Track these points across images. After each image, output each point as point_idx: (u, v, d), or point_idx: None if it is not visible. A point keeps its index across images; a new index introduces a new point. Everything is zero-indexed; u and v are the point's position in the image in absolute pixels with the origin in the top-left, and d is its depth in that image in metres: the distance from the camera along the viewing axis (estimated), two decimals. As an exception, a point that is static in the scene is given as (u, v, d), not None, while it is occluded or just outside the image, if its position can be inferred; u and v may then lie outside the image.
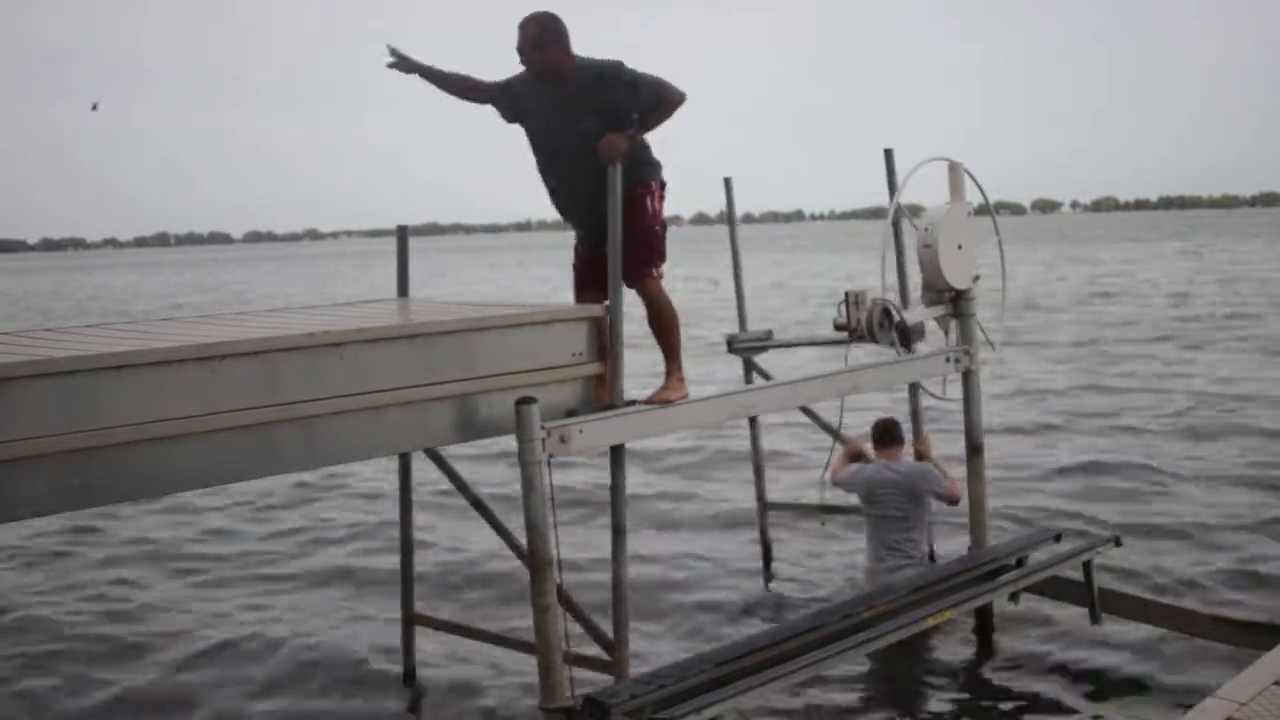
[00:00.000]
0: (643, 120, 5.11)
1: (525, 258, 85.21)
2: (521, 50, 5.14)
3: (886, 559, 6.75)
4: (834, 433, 7.29)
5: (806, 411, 7.43)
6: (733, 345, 7.33)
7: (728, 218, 7.67)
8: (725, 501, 9.65)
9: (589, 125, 5.04)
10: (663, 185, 5.39)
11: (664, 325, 5.46)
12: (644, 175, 5.27)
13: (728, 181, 7.46)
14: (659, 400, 5.30)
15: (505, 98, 5.36)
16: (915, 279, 6.76)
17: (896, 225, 6.96)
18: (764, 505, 8.12)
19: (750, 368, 7.46)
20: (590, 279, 5.42)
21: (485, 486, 7.22)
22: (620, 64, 5.16)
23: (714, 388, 9.28)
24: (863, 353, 6.63)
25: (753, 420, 8.00)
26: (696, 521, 9.34)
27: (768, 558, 8.08)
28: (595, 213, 5.10)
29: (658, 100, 5.13)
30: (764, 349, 7.38)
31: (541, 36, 5.08)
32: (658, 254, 5.38)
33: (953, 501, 6.86)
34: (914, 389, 7.16)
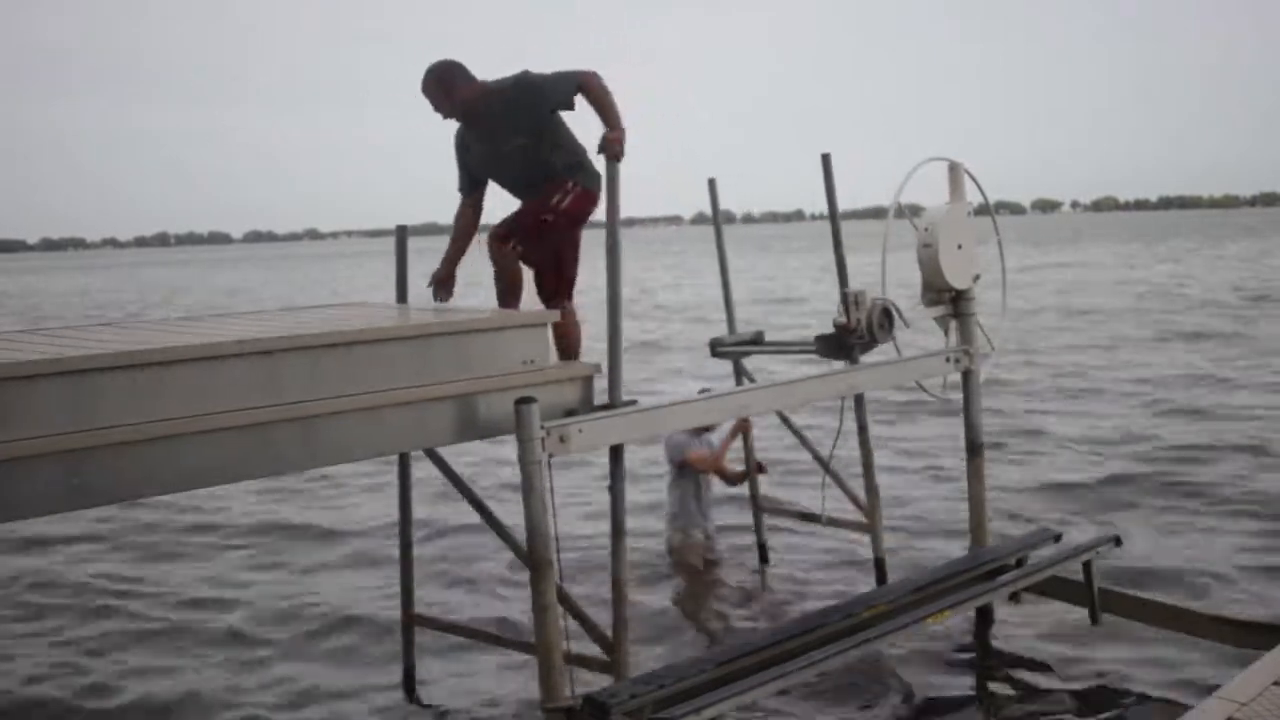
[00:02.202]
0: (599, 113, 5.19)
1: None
2: (438, 110, 5.37)
3: (666, 515, 8.06)
4: (810, 446, 7.32)
5: (786, 422, 7.43)
6: (716, 349, 7.31)
7: (713, 219, 7.62)
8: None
9: (519, 143, 5.28)
10: (580, 188, 5.40)
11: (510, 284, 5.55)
12: (570, 172, 5.39)
13: (712, 183, 7.38)
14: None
15: (469, 170, 5.58)
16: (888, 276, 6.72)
17: (836, 231, 6.82)
18: (758, 505, 8.12)
19: (739, 371, 7.43)
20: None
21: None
22: (523, 75, 5.29)
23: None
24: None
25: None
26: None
27: (764, 557, 8.09)
28: (529, 194, 5.50)
29: (577, 88, 5.23)
30: (748, 353, 7.34)
31: (443, 87, 5.31)
32: (525, 232, 5.44)
33: (699, 468, 7.76)
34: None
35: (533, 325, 4.97)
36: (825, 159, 6.68)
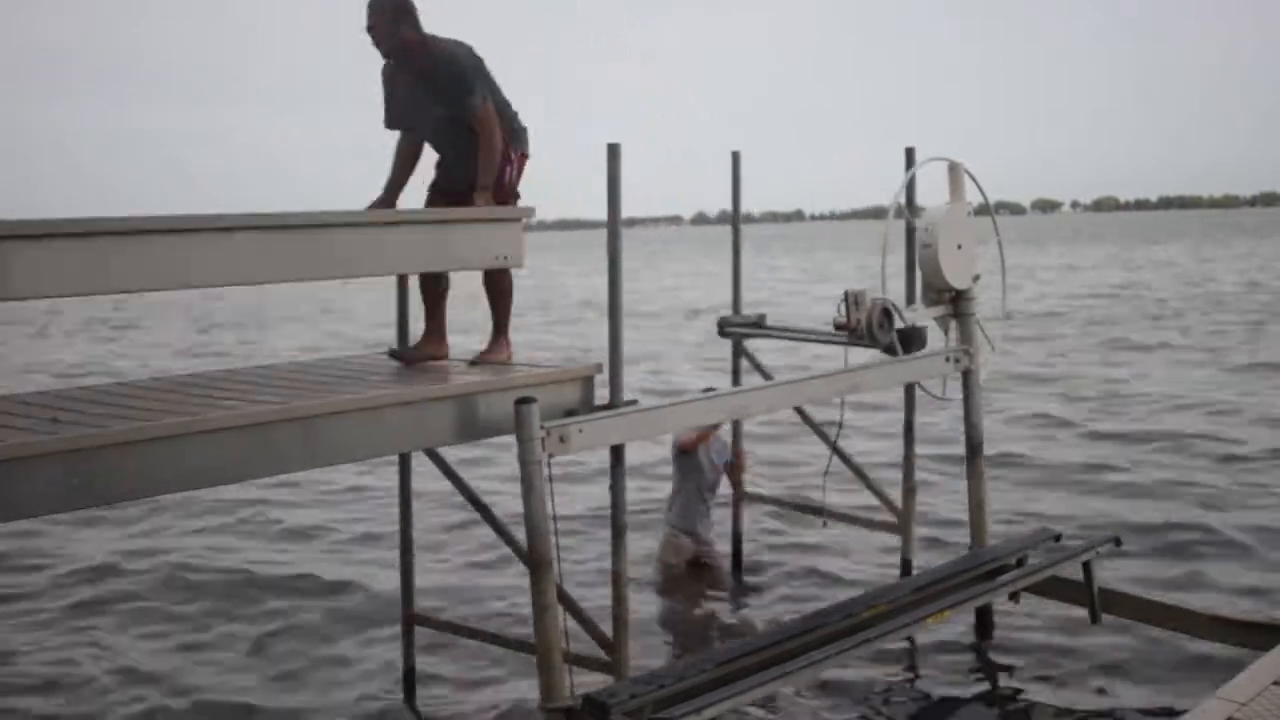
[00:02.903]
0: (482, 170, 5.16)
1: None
2: (373, 28, 5.16)
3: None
4: (827, 438, 7.27)
5: (801, 414, 7.39)
6: (724, 328, 7.22)
7: (733, 196, 7.29)
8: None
9: (440, 112, 5.17)
10: (517, 154, 5.37)
11: (499, 291, 5.41)
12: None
13: (735, 155, 7.15)
14: (485, 360, 5.26)
15: (393, 111, 5.43)
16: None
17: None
18: (738, 497, 8.02)
19: (740, 352, 7.32)
20: None
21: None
22: (462, 71, 5.14)
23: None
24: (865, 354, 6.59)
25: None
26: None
27: (738, 552, 8.01)
28: (455, 169, 5.29)
29: (482, 139, 5.16)
30: (754, 335, 7.26)
31: (392, 18, 5.13)
32: None
33: (689, 443, 7.73)
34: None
35: (508, 220, 5.00)
36: (909, 153, 6.63)
